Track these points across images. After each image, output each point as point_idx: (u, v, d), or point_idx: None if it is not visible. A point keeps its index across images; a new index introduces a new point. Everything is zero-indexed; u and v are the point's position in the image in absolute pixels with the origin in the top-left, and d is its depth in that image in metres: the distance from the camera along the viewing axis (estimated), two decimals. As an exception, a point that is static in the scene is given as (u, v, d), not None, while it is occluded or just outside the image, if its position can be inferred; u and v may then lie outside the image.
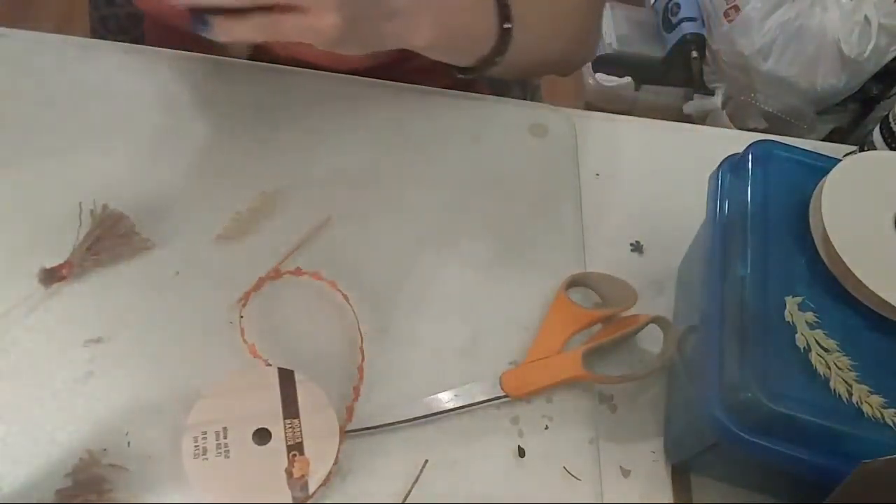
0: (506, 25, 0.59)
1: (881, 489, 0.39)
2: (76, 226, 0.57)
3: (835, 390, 0.43)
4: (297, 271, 0.57)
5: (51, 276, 0.54)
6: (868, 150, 0.66)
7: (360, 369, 0.53)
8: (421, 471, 0.51)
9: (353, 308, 0.56)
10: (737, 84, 1.56)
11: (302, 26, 0.48)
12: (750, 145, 0.53)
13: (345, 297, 0.56)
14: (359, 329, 0.55)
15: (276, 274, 0.57)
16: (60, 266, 0.54)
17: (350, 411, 0.51)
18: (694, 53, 1.62)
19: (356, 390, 0.53)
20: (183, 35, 0.68)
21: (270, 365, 0.52)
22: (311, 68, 0.69)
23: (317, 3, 0.48)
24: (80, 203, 0.57)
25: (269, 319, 0.56)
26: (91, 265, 0.55)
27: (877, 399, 0.42)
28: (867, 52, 1.40)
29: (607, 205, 0.66)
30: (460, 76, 0.64)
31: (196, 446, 0.48)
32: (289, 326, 0.55)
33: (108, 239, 0.56)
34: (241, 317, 0.55)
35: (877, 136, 0.65)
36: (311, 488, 0.47)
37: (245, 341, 0.53)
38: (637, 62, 1.73)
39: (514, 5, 0.59)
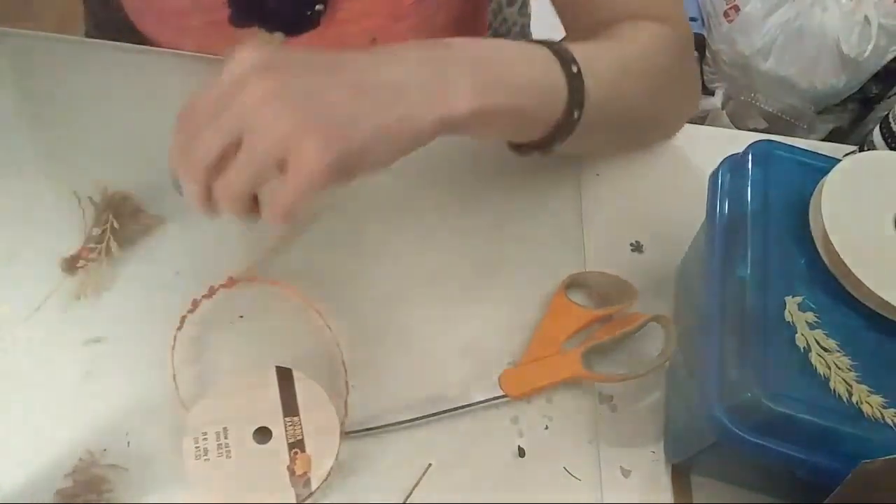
0: (573, 69, 0.50)
1: (881, 489, 0.39)
2: (77, 223, 0.57)
3: (835, 390, 0.43)
4: (272, 282, 0.56)
5: (71, 264, 0.55)
6: (868, 150, 0.66)
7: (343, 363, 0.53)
8: (423, 474, 0.51)
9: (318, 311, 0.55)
10: (737, 84, 1.56)
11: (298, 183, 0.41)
12: (750, 145, 0.52)
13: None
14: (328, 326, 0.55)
15: (254, 278, 0.57)
16: (78, 253, 0.55)
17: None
18: (694, 53, 1.62)
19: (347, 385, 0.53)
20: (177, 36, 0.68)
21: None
22: None
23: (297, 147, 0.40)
24: (78, 198, 0.57)
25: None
26: (107, 247, 0.56)
27: (877, 399, 0.42)
28: (867, 52, 1.40)
29: (607, 205, 0.66)
30: (531, 154, 0.54)
31: (197, 447, 0.48)
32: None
33: (119, 218, 0.57)
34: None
35: (877, 136, 0.65)
36: (314, 485, 0.47)
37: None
38: (637, 62, 1.73)
39: (575, 51, 0.50)
